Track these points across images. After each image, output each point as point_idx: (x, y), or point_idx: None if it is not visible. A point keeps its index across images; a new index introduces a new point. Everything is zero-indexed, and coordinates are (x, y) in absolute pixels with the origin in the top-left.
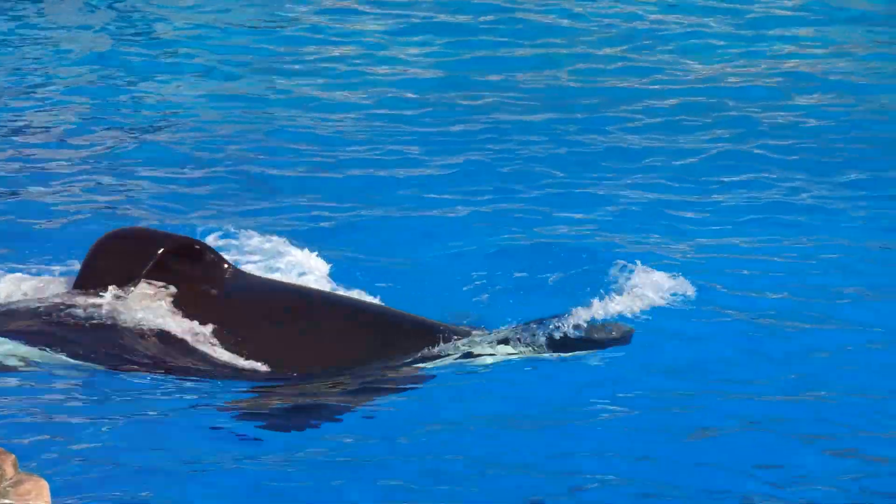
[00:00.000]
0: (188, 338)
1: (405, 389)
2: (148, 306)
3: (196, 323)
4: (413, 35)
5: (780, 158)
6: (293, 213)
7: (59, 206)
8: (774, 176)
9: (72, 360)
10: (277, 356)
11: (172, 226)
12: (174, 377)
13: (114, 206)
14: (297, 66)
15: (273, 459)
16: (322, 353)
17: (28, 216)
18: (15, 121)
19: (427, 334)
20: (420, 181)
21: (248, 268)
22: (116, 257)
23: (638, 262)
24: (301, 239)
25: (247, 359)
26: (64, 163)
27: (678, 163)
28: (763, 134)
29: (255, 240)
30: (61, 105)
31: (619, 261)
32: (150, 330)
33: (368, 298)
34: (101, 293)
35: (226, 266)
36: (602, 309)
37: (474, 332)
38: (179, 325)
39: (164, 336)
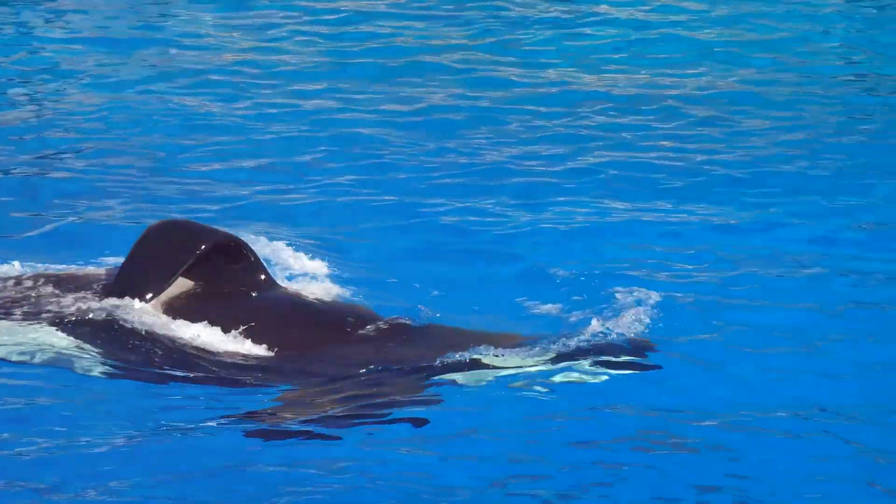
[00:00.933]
0: (215, 342)
1: (429, 401)
2: (179, 307)
3: (225, 327)
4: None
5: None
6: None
7: None
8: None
9: (100, 360)
10: (300, 364)
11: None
12: (197, 382)
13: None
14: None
15: (299, 466)
16: (348, 363)
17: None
18: None
19: (455, 343)
20: (414, 187)
21: None
22: (161, 247)
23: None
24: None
25: (271, 366)
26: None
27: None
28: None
29: (260, 245)
30: None
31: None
32: (176, 333)
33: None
34: (135, 294)
35: (262, 273)
36: (612, 323)
37: (495, 341)
38: (207, 329)
39: (190, 340)
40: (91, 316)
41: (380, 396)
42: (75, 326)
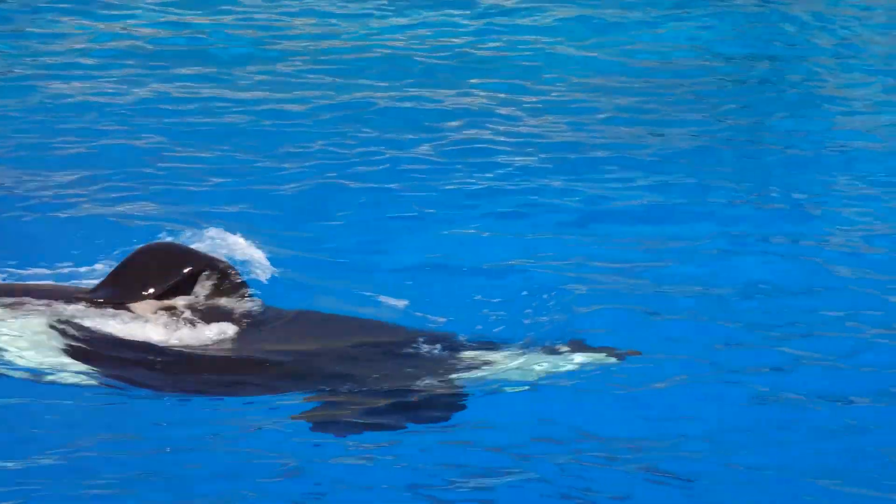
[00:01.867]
0: (200, 356)
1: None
2: (158, 321)
3: (210, 343)
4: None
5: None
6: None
7: None
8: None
9: (86, 374)
10: (314, 371)
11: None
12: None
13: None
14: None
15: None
16: (341, 372)
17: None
18: None
19: (450, 348)
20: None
21: None
22: (143, 271)
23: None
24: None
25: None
26: None
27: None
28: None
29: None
30: None
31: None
32: (156, 346)
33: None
34: (117, 306)
35: (247, 292)
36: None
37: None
38: (190, 343)
39: (172, 352)
40: (78, 324)
41: (385, 404)
42: (65, 335)
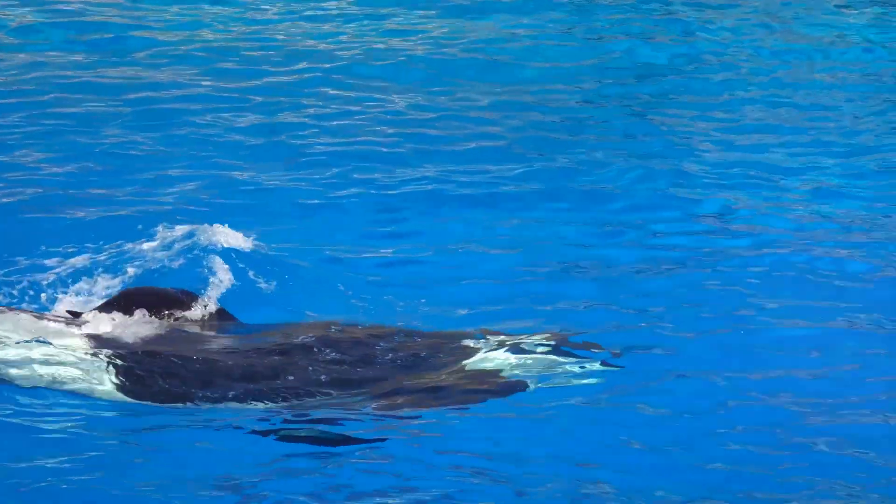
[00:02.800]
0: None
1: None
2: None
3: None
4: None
5: None
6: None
7: None
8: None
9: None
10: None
11: None
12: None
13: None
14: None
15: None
16: (334, 378)
17: None
18: None
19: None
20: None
21: None
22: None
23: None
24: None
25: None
26: None
27: None
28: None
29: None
30: None
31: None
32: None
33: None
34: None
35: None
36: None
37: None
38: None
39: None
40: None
41: (385, 407)
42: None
